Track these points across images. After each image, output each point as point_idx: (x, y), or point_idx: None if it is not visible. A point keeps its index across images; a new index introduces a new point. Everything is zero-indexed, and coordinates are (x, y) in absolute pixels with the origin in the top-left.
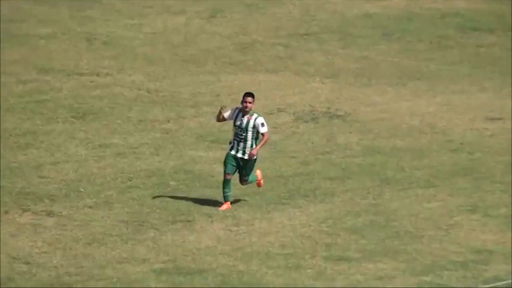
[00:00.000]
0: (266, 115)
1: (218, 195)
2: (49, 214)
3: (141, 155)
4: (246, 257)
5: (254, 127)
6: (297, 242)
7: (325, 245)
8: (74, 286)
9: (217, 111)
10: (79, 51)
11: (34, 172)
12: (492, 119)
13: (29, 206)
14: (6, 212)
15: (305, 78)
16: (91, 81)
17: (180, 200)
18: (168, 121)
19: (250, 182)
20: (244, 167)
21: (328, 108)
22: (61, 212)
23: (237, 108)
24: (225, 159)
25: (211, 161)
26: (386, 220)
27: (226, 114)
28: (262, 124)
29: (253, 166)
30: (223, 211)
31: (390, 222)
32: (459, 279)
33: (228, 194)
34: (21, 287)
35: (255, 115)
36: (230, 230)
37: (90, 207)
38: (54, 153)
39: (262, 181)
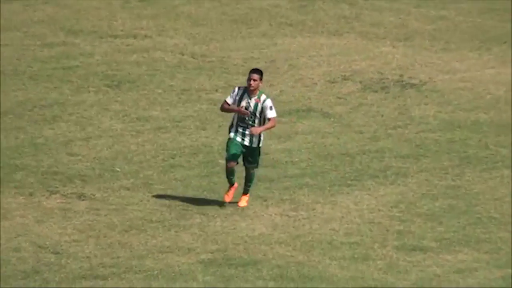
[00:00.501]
0: (329, 84)
1: (275, 175)
2: (80, 197)
3: (185, 129)
4: (307, 246)
5: (262, 110)
6: (364, 230)
7: (397, 233)
8: (109, 279)
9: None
10: (113, 10)
11: (62, 149)
12: None
13: (57, 187)
14: (31, 195)
15: (373, 41)
16: (127, 45)
17: None
18: (216, 91)
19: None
20: (250, 155)
21: (400, 75)
22: (94, 195)
23: (240, 87)
24: (228, 143)
25: (265, 136)
26: (467, 204)
27: (229, 100)
28: (271, 108)
29: (259, 153)
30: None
31: (471, 207)
32: None
33: (233, 179)
34: (48, 280)
35: (263, 97)
36: (288, 215)
37: (127, 189)
38: (85, 127)
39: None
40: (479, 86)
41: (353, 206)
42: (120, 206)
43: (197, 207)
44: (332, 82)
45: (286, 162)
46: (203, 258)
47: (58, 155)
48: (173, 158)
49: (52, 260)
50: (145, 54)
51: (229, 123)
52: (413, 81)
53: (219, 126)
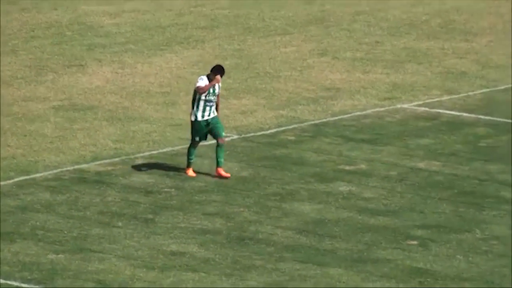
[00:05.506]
0: None
1: (107, 43)
2: None
3: (43, 9)
4: (130, 95)
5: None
6: (173, 82)
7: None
8: None
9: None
10: None
11: None
12: None
13: None
14: None
15: None
16: None
17: (75, 48)
18: None
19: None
20: (215, 125)
21: None
22: None
23: (206, 76)
24: (197, 128)
25: (101, 14)
26: (249, 63)
27: (203, 83)
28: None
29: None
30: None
31: (252, 64)
32: (311, 112)
33: (193, 160)
34: None
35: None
36: (116, 72)
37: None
38: None
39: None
40: None
41: (165, 65)
42: None
43: (50, 67)
44: None
45: (115, 32)
46: (55, 104)
47: None
48: (33, 31)
49: None
50: None
51: (194, 108)
52: None
53: (67, 7)
